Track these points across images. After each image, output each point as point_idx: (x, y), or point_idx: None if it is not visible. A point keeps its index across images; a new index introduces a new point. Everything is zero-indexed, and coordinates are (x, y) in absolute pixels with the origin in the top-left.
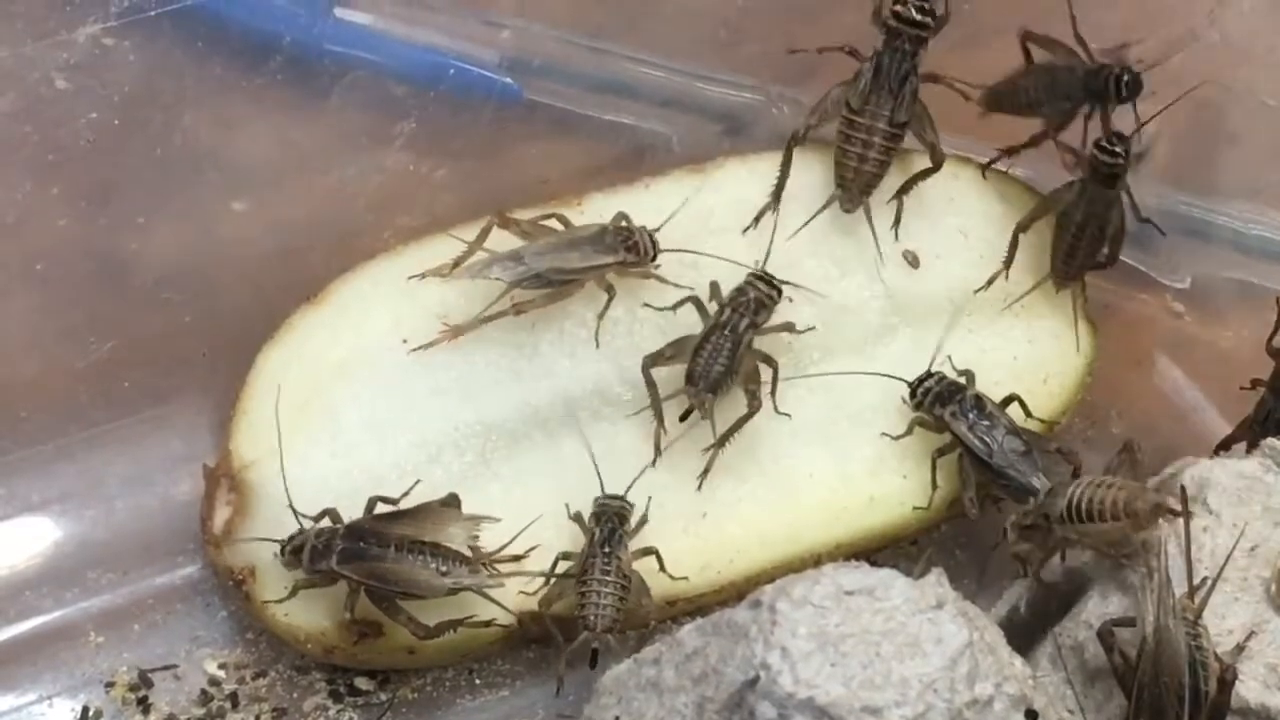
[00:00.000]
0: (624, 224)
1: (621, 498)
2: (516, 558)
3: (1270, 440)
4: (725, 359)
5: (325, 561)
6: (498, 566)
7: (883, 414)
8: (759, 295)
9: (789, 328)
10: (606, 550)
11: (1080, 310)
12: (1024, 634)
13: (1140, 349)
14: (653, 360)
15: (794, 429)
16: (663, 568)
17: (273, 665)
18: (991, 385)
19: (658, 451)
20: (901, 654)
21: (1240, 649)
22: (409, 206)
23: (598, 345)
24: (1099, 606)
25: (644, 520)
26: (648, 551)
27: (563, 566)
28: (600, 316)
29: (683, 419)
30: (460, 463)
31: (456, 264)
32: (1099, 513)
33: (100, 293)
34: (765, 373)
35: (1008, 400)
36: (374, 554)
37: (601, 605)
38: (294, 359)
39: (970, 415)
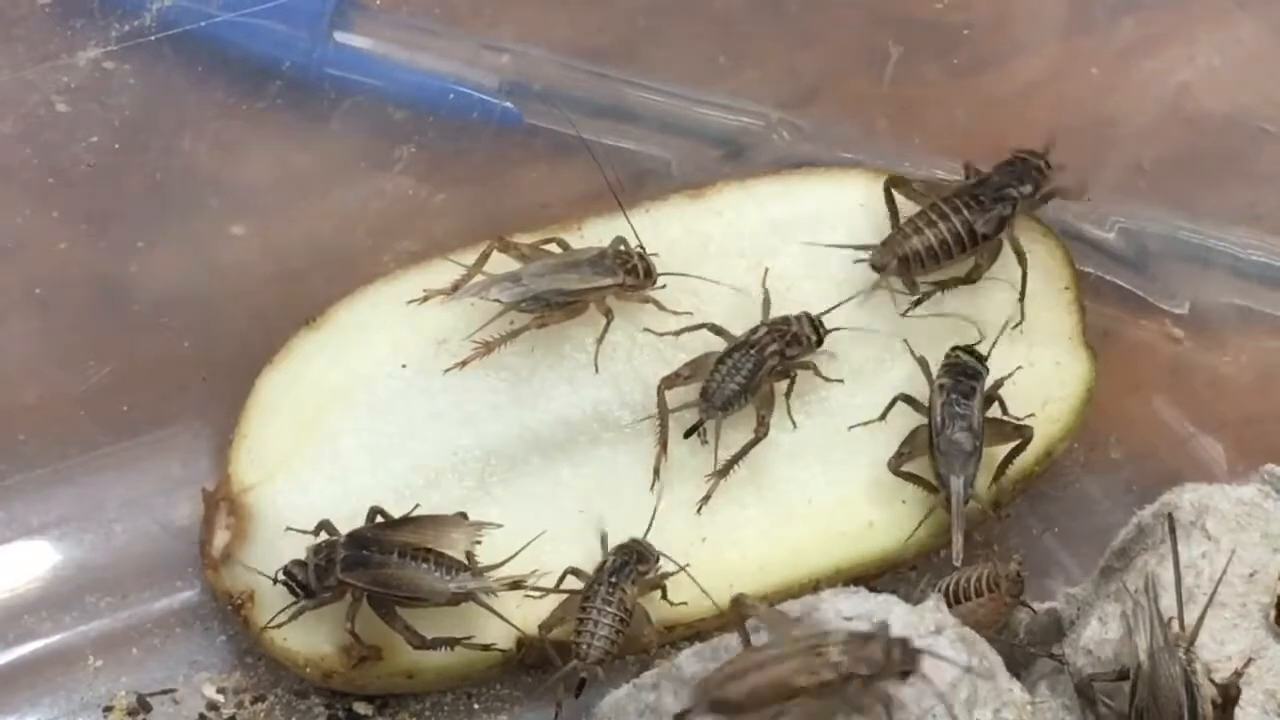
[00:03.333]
0: (623, 248)
1: (644, 542)
2: (516, 582)
3: (1269, 467)
4: (743, 378)
5: (331, 575)
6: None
7: (881, 441)
8: (801, 331)
9: (814, 368)
10: (613, 580)
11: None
12: (1022, 660)
13: (1139, 374)
14: (669, 382)
15: (793, 454)
16: (665, 595)
17: (271, 689)
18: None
19: (656, 475)
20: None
21: (1239, 675)
22: (409, 231)
23: (597, 370)
24: (1098, 632)
25: (659, 570)
26: (655, 586)
27: (569, 582)
28: (599, 341)
29: (687, 435)
30: (459, 487)
31: (455, 288)
32: (965, 592)
33: (100, 316)
34: (777, 398)
35: (990, 399)
36: (377, 560)
37: (596, 635)
38: (293, 383)
39: (953, 395)
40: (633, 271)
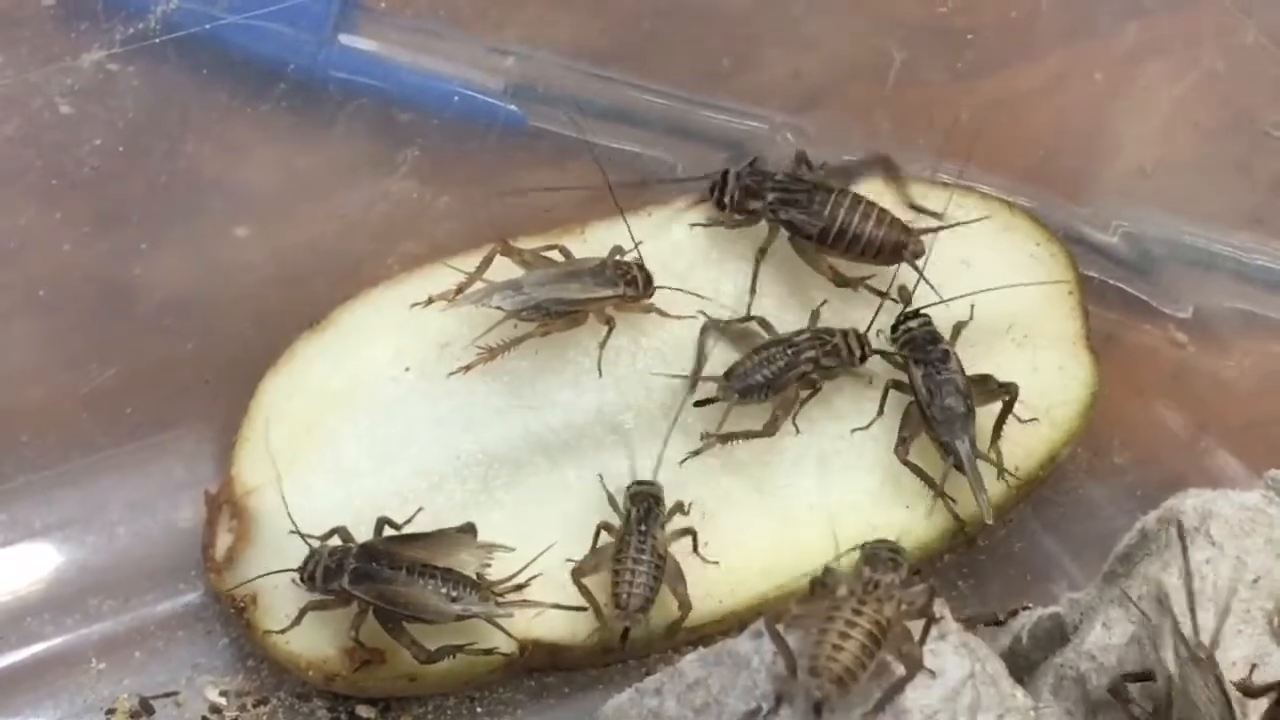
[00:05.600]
0: (621, 258)
1: (654, 483)
2: (519, 586)
3: (1273, 472)
4: (771, 373)
5: (337, 581)
6: (504, 595)
7: (885, 445)
8: (842, 345)
9: (860, 375)
10: (642, 529)
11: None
12: (1026, 665)
13: (1143, 379)
14: (712, 325)
15: (796, 459)
16: (696, 548)
17: (274, 693)
18: (994, 414)
19: (674, 419)
20: None
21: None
22: (413, 234)
23: (600, 373)
24: (1102, 637)
25: (680, 507)
26: (685, 531)
27: (601, 538)
28: (602, 345)
29: (698, 404)
30: (463, 491)
31: (459, 291)
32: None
33: (103, 319)
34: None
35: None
36: (385, 576)
37: (635, 584)
38: (296, 386)
39: (929, 368)
40: (632, 283)
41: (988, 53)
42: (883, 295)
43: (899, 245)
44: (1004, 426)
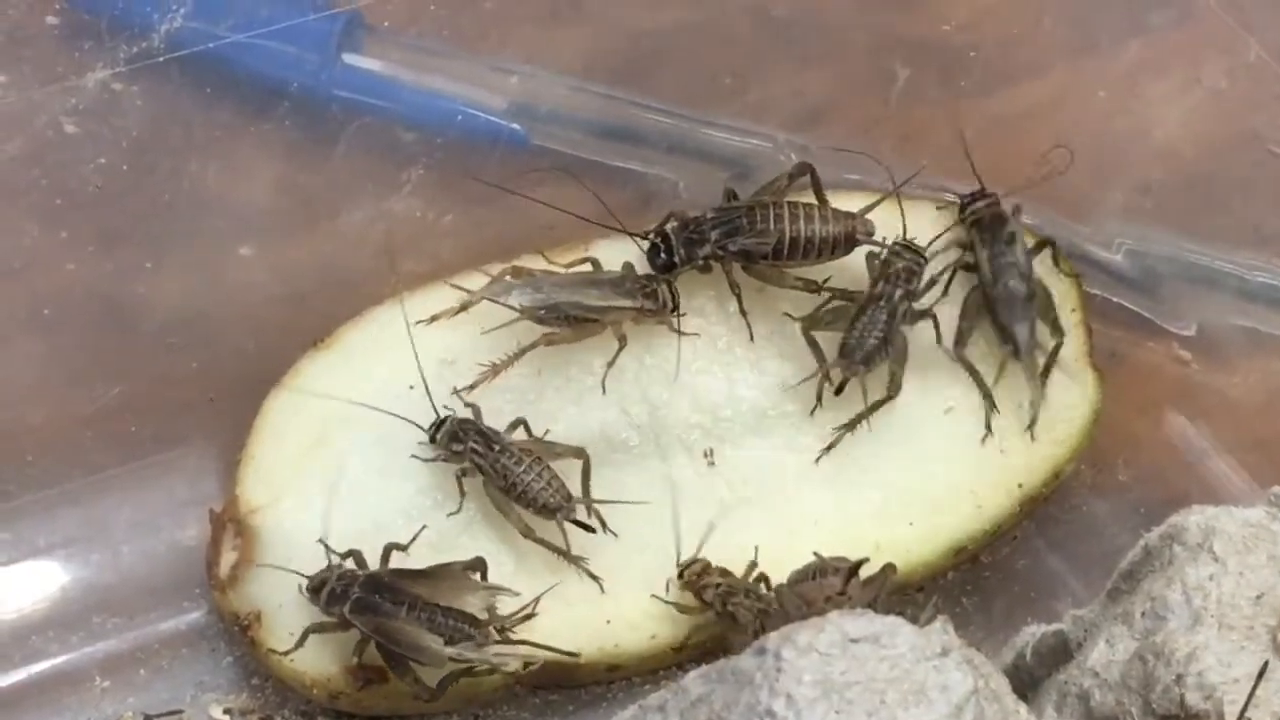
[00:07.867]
0: (646, 273)
1: (447, 414)
2: (527, 616)
3: (1277, 489)
4: (881, 331)
5: (340, 606)
6: (510, 629)
7: (891, 460)
8: (907, 264)
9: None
10: (497, 449)
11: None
12: (1030, 682)
13: (1147, 397)
14: (810, 323)
15: (802, 474)
16: (529, 431)
17: (278, 710)
18: (997, 430)
19: (819, 401)
20: (906, 702)
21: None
22: (416, 252)
23: (604, 391)
24: (1105, 654)
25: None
26: (516, 423)
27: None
28: (609, 364)
29: (838, 392)
30: (467, 509)
31: (464, 308)
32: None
33: (107, 338)
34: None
35: (1041, 244)
36: (386, 610)
37: (544, 486)
38: (300, 404)
39: (996, 248)
40: (651, 296)
41: (990, 70)
42: (849, 294)
43: (851, 234)
44: (1049, 376)
